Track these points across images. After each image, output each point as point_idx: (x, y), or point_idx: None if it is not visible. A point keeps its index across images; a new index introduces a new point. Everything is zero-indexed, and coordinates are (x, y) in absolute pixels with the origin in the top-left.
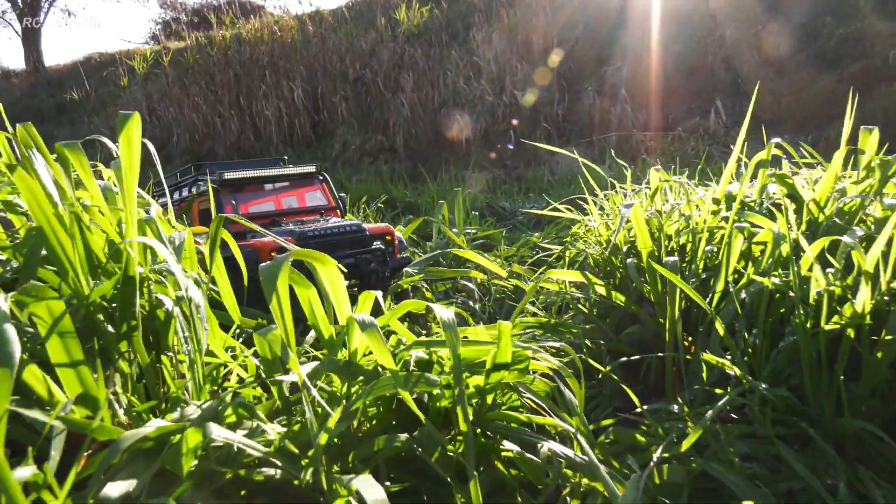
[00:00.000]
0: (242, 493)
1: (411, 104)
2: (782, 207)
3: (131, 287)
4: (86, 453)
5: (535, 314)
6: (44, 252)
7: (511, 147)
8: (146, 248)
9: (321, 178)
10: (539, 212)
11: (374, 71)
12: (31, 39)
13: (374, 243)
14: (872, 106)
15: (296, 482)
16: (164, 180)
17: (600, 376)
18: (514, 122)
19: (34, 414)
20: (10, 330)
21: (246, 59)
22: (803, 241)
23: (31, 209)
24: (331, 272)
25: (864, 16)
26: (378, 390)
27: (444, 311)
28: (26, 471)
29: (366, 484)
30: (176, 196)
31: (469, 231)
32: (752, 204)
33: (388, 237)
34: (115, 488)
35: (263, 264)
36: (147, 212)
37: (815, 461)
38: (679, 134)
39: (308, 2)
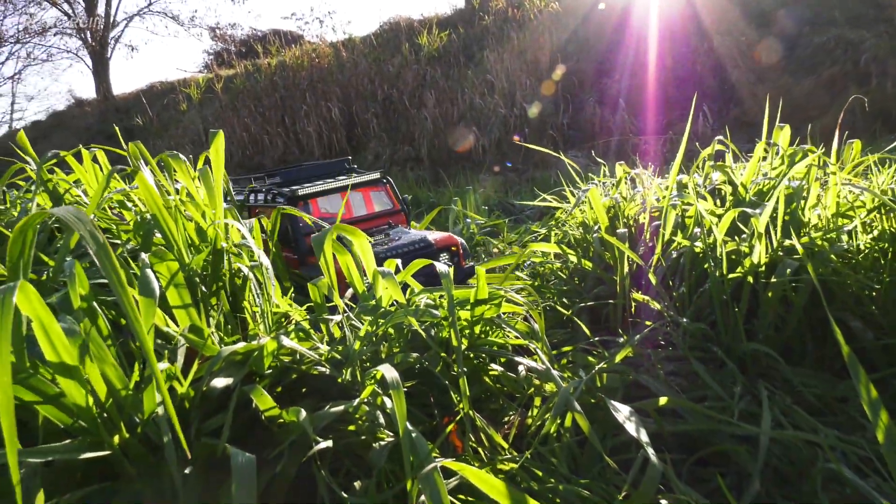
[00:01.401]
0: (304, 389)
1: (433, 119)
2: (722, 191)
3: (218, 257)
4: (198, 361)
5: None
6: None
7: (509, 165)
8: (227, 230)
9: (385, 181)
10: (532, 203)
11: (400, 90)
12: (100, 72)
13: (442, 255)
14: (844, 107)
15: (339, 380)
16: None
17: (572, 326)
18: (517, 138)
19: (169, 330)
20: (151, 274)
21: (289, 84)
22: (705, 214)
23: (147, 201)
24: (363, 243)
25: (837, 26)
26: (395, 318)
27: (442, 266)
28: (164, 365)
29: (386, 369)
30: (252, 198)
31: (479, 222)
32: (698, 188)
33: (453, 248)
34: (218, 382)
35: (315, 235)
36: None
37: (723, 377)
38: (671, 137)
39: (341, 31)
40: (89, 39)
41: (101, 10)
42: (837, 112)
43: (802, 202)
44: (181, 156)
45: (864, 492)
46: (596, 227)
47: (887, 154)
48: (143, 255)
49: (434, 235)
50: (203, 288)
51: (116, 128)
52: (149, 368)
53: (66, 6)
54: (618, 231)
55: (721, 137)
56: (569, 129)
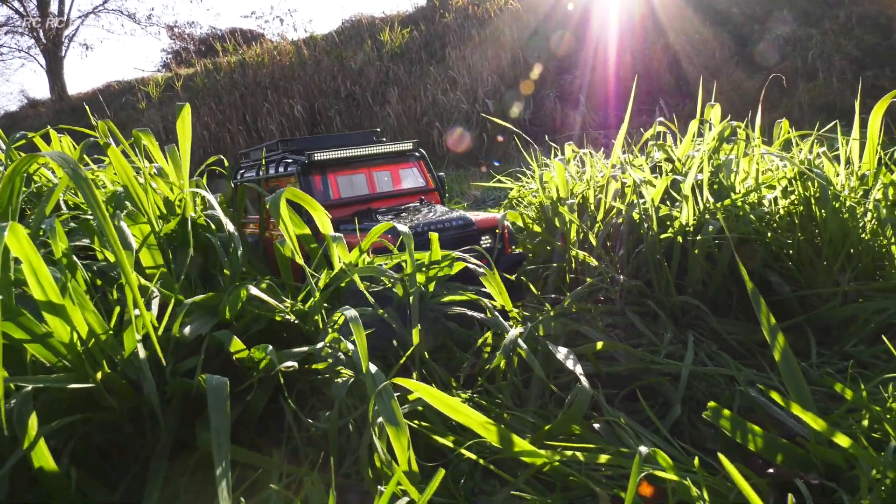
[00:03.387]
0: (271, 340)
1: (397, 115)
2: (662, 167)
3: (186, 225)
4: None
5: None
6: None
7: (497, 164)
8: (194, 200)
9: (418, 154)
10: (488, 185)
11: (362, 87)
12: (54, 71)
13: (483, 238)
14: (792, 101)
15: (304, 329)
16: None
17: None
18: (500, 138)
19: (145, 283)
20: (127, 231)
21: (250, 82)
22: (639, 181)
23: (119, 174)
24: (321, 215)
25: (787, 23)
26: (362, 271)
27: (403, 227)
28: (137, 311)
29: (347, 310)
30: (262, 173)
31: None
32: (640, 165)
33: (497, 231)
34: (189, 329)
35: (269, 196)
36: (197, 184)
37: (657, 327)
38: (629, 131)
39: (303, 28)
40: (42, 38)
41: (54, 7)
42: (787, 106)
43: (732, 175)
44: (151, 132)
45: (768, 408)
46: (550, 200)
47: (807, 132)
48: (119, 214)
49: (476, 216)
50: (171, 254)
51: (100, 121)
52: (127, 313)
53: (17, 4)
54: (567, 202)
55: (662, 119)
56: (530, 125)
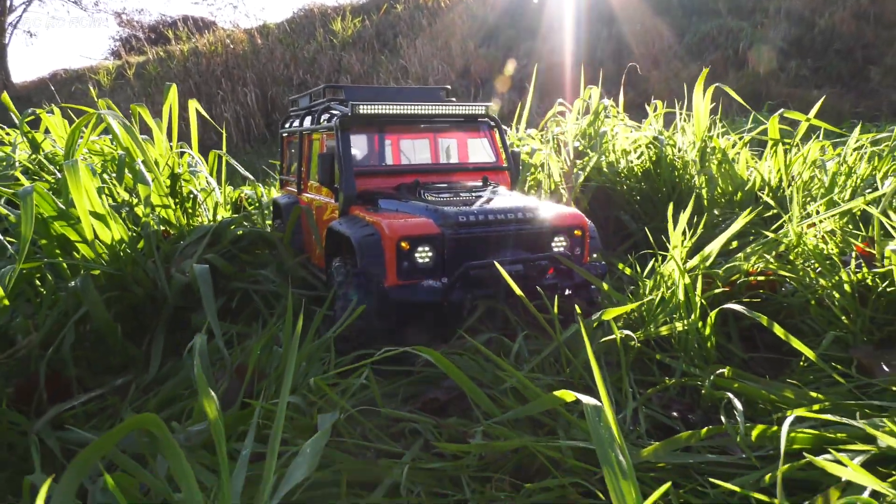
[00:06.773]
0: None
1: None
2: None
3: (176, 178)
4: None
5: None
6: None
7: None
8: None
9: (492, 123)
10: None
11: (315, 76)
12: None
13: (555, 240)
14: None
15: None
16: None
17: None
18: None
19: (146, 211)
20: (145, 171)
21: (203, 70)
22: (544, 154)
23: (123, 139)
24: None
25: (721, 16)
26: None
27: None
28: (153, 229)
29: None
30: (307, 123)
31: None
32: (540, 138)
33: (577, 232)
34: (188, 250)
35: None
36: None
37: None
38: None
39: (255, 16)
40: None
41: None
42: (717, 95)
43: (606, 142)
44: (146, 106)
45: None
46: None
47: (669, 109)
48: (139, 160)
49: (550, 209)
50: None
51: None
52: (144, 227)
53: None
54: None
55: (561, 100)
56: None
